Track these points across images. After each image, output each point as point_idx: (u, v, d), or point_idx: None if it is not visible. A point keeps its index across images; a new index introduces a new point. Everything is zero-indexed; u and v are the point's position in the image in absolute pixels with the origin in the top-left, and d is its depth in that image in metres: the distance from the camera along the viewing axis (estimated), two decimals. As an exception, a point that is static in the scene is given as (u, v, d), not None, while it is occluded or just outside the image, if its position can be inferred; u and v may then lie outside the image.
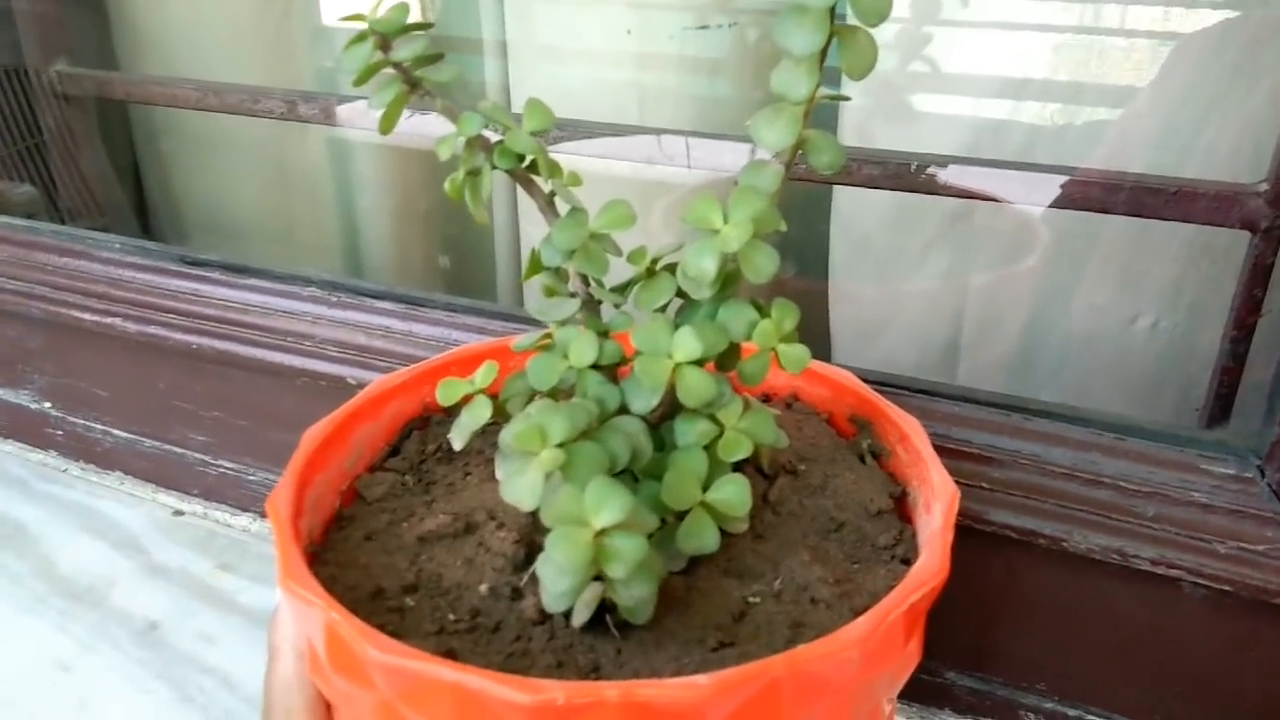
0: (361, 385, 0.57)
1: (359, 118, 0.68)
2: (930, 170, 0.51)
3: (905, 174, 0.52)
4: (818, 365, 0.43)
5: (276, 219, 0.95)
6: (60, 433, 0.74)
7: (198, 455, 0.68)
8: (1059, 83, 0.59)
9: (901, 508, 0.38)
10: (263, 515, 0.67)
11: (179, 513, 0.69)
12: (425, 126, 0.70)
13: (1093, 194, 0.48)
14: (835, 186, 0.68)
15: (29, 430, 0.75)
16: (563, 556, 0.28)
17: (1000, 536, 0.43)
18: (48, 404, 0.74)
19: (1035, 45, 0.60)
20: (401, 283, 0.96)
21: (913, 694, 0.48)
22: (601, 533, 0.28)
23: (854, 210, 0.67)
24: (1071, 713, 0.46)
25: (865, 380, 0.42)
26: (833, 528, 0.36)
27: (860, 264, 0.68)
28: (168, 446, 0.69)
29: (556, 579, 0.29)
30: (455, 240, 0.98)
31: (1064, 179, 0.49)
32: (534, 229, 0.81)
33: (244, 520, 0.68)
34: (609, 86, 0.74)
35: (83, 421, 0.72)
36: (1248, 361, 0.47)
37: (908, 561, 0.35)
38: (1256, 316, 0.47)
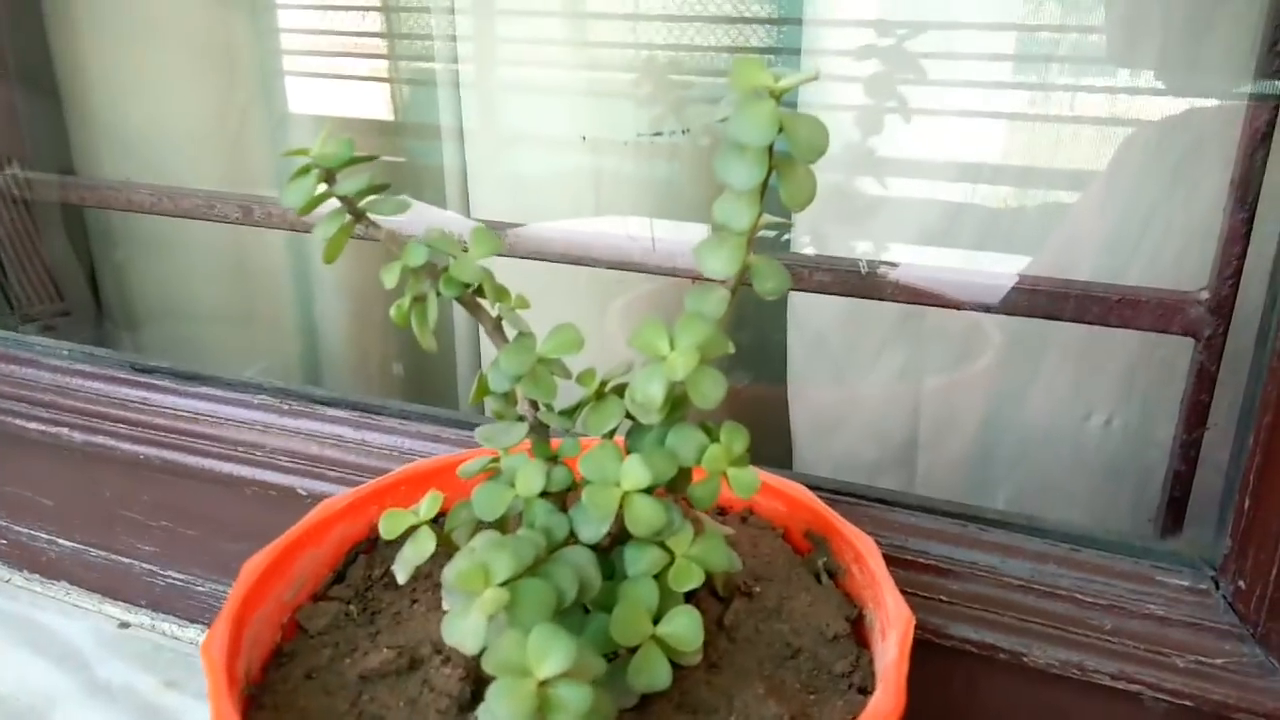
0: (312, 495, 0.57)
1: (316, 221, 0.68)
2: (879, 273, 0.52)
3: (855, 279, 0.52)
4: (772, 479, 0.43)
5: (233, 319, 0.95)
6: (4, 541, 0.71)
7: (146, 565, 0.66)
8: (1009, 170, 0.60)
9: (858, 630, 0.37)
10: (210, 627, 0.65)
11: (125, 624, 0.67)
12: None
13: (1039, 301, 0.49)
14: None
15: (-29, 539, 0.73)
16: (505, 709, 0.27)
17: (960, 650, 0.43)
18: (-9, 512, 0.72)
19: (983, 135, 0.61)
20: (360, 384, 0.95)
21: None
22: (545, 682, 0.27)
23: (808, 309, 0.68)
24: (1039, 831, 0.45)
25: (821, 490, 0.42)
26: (789, 654, 0.36)
27: (817, 362, 0.69)
28: (115, 556, 0.67)
29: (499, 731, 0.28)
30: (414, 341, 0.97)
31: (1012, 284, 0.50)
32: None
33: (192, 632, 0.66)
34: (567, 174, 0.75)
35: (27, 530, 0.70)
36: (1198, 467, 0.47)
37: (864, 691, 0.34)
38: (1204, 423, 0.47)
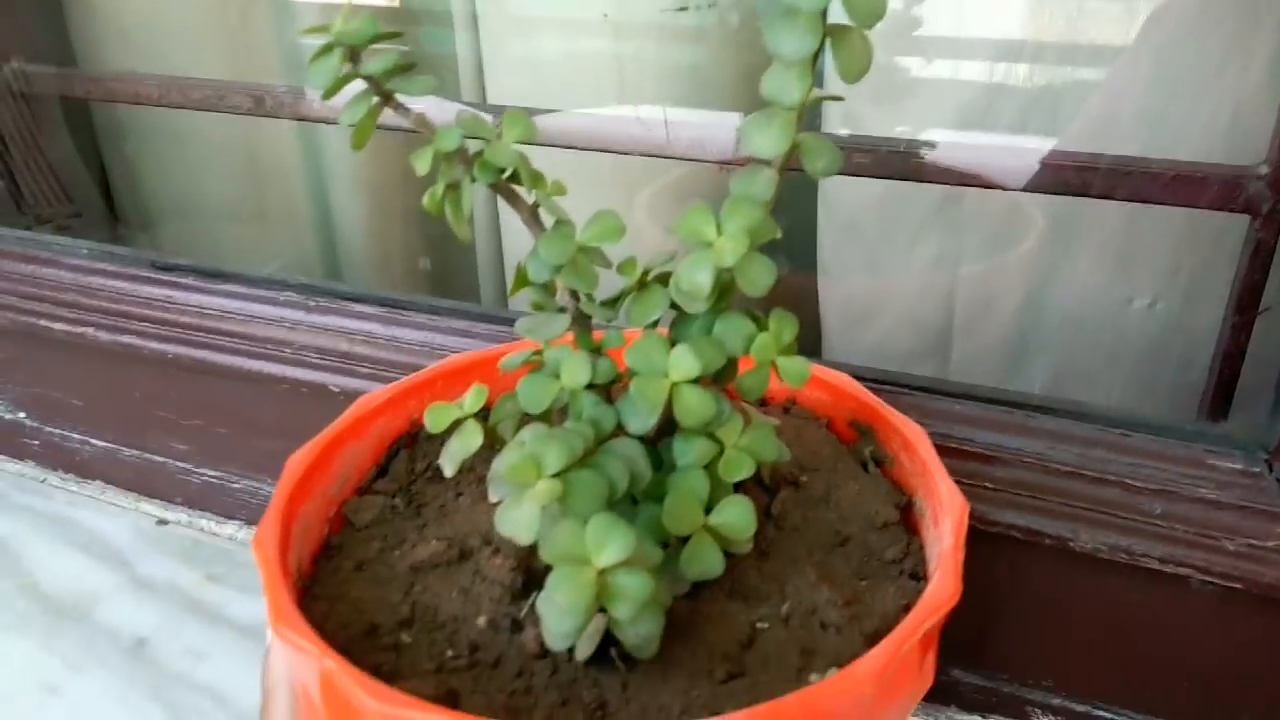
0: (345, 392, 0.56)
1: (329, 110, 0.66)
2: (920, 155, 0.50)
3: (895, 161, 0.51)
4: (816, 368, 0.42)
5: (248, 216, 0.93)
6: (36, 443, 0.72)
7: (179, 464, 0.66)
8: (1051, 47, 0.57)
9: (908, 518, 0.37)
10: (248, 523, 0.66)
11: (163, 522, 0.68)
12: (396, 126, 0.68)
13: (1090, 179, 0.47)
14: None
15: (4, 440, 0.73)
16: (565, 598, 0.27)
17: (1005, 537, 0.42)
18: (22, 414, 0.72)
19: (1024, 7, 0.58)
20: (380, 282, 0.94)
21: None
22: (604, 571, 0.27)
23: (841, 197, 0.66)
24: (1079, 708, 0.46)
25: (863, 379, 0.41)
26: (838, 542, 0.36)
27: (849, 251, 0.67)
28: (148, 455, 0.67)
29: (559, 619, 0.28)
30: (436, 237, 0.95)
31: (1058, 162, 0.48)
32: (516, 221, 0.79)
33: (229, 528, 0.66)
34: (587, 61, 0.72)
35: (59, 431, 0.71)
36: (1249, 351, 0.46)
37: (916, 576, 0.34)
38: (1257, 303, 0.46)
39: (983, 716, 0.48)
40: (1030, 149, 0.49)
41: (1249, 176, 0.44)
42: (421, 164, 0.34)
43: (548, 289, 0.36)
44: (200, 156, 0.89)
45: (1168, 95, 0.53)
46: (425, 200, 0.35)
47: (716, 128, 0.59)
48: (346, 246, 0.93)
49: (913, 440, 0.37)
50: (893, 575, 0.34)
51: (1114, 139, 0.54)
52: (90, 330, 0.62)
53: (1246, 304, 0.46)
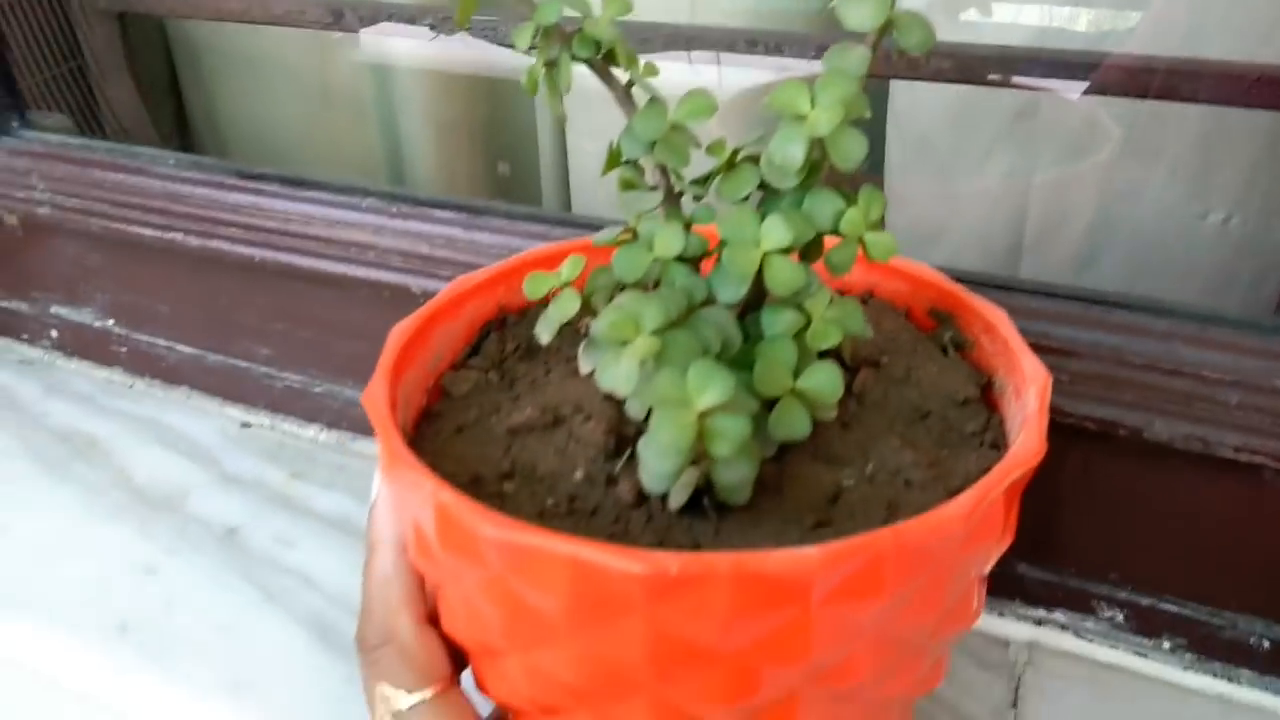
0: (426, 294, 0.58)
1: (397, 30, 0.67)
2: (1004, 59, 0.50)
3: (977, 67, 0.51)
4: (895, 259, 0.42)
5: (320, 140, 0.95)
6: (124, 349, 0.75)
7: (263, 369, 0.69)
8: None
9: (988, 397, 0.38)
10: (330, 426, 0.68)
11: (247, 425, 0.71)
12: (461, 52, 0.69)
13: (1173, 83, 0.47)
14: (893, 84, 0.66)
15: (93, 348, 0.76)
16: (667, 437, 0.28)
17: (1078, 429, 0.43)
18: (110, 321, 0.75)
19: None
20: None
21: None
22: (704, 413, 0.28)
23: (912, 110, 0.66)
24: (1144, 601, 0.47)
25: (940, 275, 0.42)
26: (919, 416, 0.37)
27: (918, 166, 0.67)
28: (232, 360, 0.70)
29: (660, 460, 0.29)
30: (499, 157, 0.97)
31: (1139, 65, 0.48)
32: (583, 142, 0.80)
33: (312, 431, 0.69)
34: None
35: (146, 338, 0.74)
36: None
37: (997, 447, 0.35)
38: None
39: (1047, 610, 0.49)
40: (1112, 53, 0.49)
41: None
42: (521, 39, 0.35)
43: (638, 168, 0.37)
44: (274, 91, 0.91)
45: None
46: (524, 79, 0.36)
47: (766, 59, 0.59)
48: (413, 171, 0.94)
49: (994, 322, 0.38)
50: (974, 445, 0.35)
51: (1195, 44, 0.53)
52: (179, 236, 0.65)
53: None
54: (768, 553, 0.26)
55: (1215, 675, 0.47)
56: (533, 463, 0.34)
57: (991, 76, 0.51)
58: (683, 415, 0.28)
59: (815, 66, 0.59)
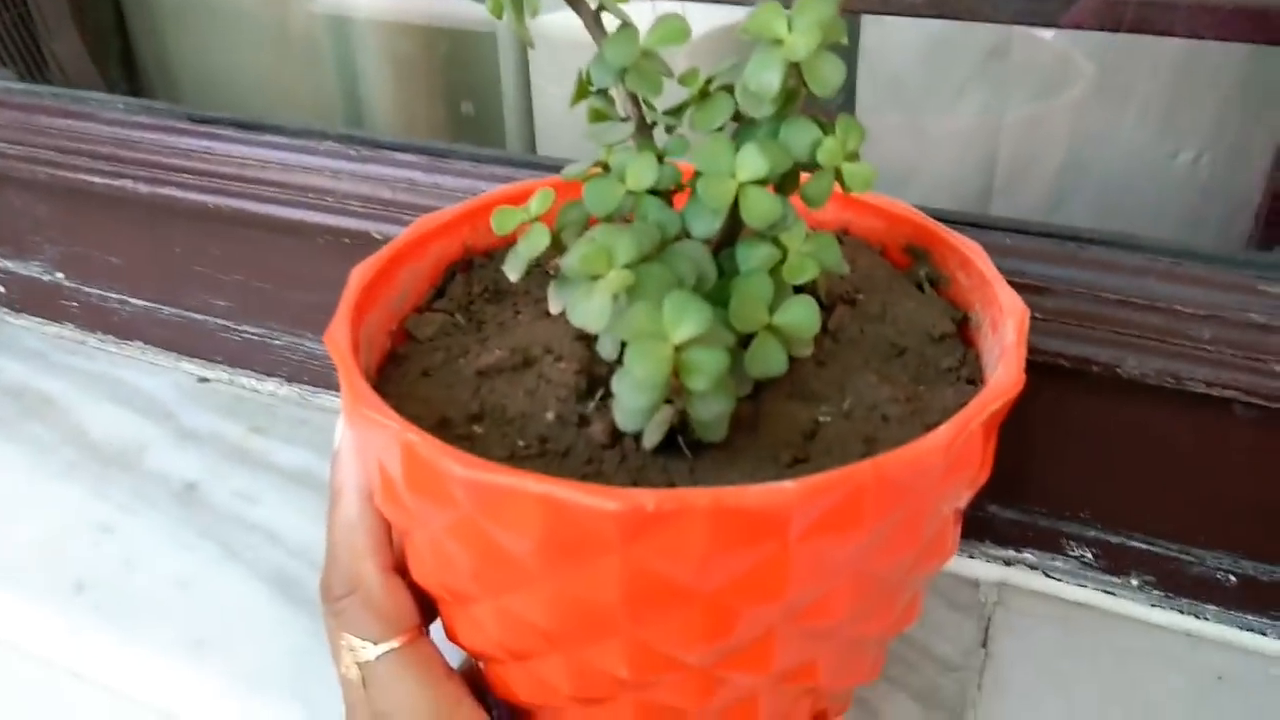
0: (389, 239, 0.56)
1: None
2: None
3: (951, 1, 0.50)
4: (870, 196, 0.42)
5: (274, 83, 0.92)
6: (75, 304, 0.73)
7: (219, 321, 0.67)
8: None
9: (964, 333, 0.37)
10: (289, 380, 0.67)
11: (204, 379, 0.69)
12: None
13: (1146, 14, 0.46)
14: (864, 21, 0.65)
15: (43, 303, 0.74)
16: (642, 371, 0.27)
17: (1051, 366, 0.43)
18: (60, 275, 0.72)
19: None
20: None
21: (954, 527, 0.49)
22: (680, 347, 0.28)
23: (883, 48, 0.65)
24: (1114, 539, 0.47)
25: (914, 212, 0.41)
26: (895, 353, 0.36)
27: (889, 106, 0.66)
28: (188, 313, 0.68)
29: (634, 394, 0.28)
30: (461, 99, 0.94)
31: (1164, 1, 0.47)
32: (549, 86, 0.78)
33: (271, 385, 0.67)
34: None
35: (98, 291, 0.71)
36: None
37: (973, 382, 0.35)
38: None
39: (1016, 550, 0.49)
40: (1088, -16, 0.48)
41: (1314, 6, 0.44)
42: (485, -39, 0.33)
43: (609, 99, 0.36)
44: (228, 34, 0.88)
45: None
46: (488, 3, 0.35)
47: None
48: (372, 120, 0.92)
49: (970, 256, 0.37)
50: (950, 380, 0.35)
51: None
52: (129, 183, 0.62)
53: (1301, 141, 0.45)
54: (745, 488, 0.26)
55: (1182, 611, 0.47)
56: (502, 404, 0.33)
57: (968, 7, 0.50)
58: (658, 348, 0.27)
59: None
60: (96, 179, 0.63)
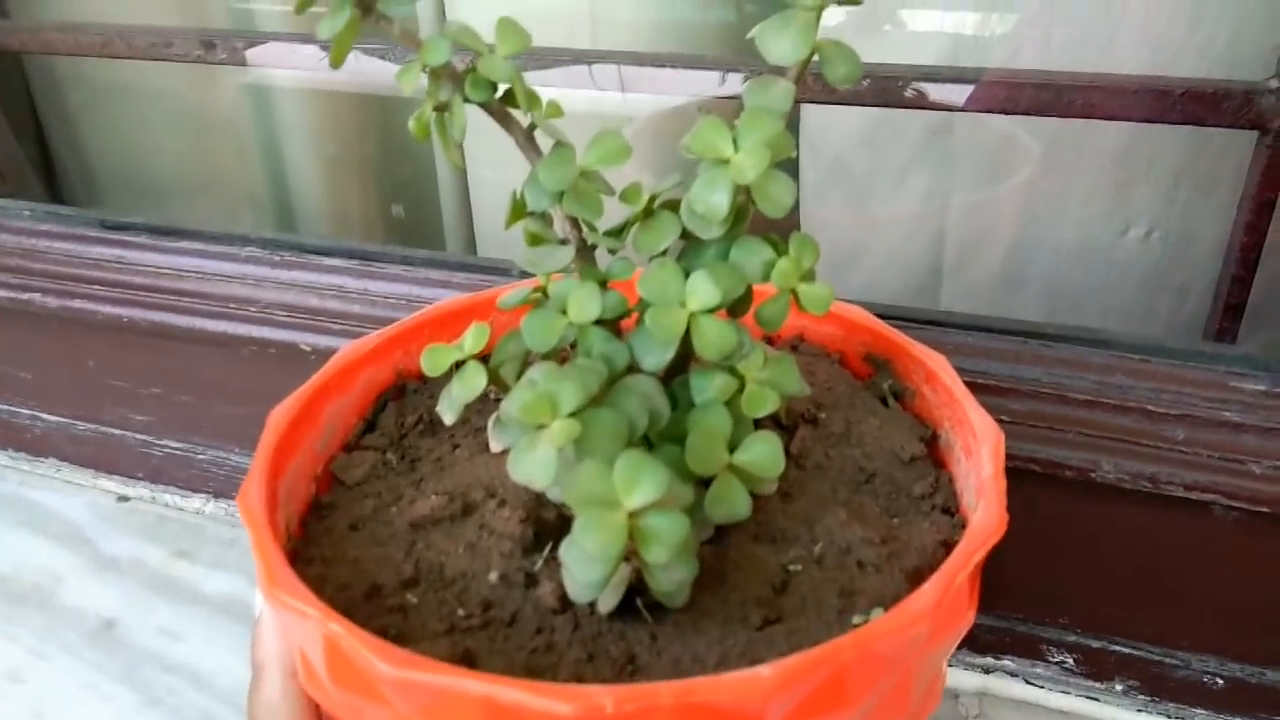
0: (316, 351, 0.53)
1: (279, 58, 0.62)
2: (918, 83, 0.48)
3: (892, 88, 0.48)
4: (825, 302, 0.40)
5: (198, 174, 0.89)
6: (-18, 420, 0.68)
7: (139, 436, 0.63)
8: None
9: (933, 452, 0.35)
10: (216, 495, 0.62)
11: (124, 498, 0.64)
12: (351, 76, 0.64)
13: (1096, 99, 0.45)
14: (804, 107, 0.64)
15: (-53, 420, 0.69)
16: (594, 543, 0.24)
17: (1023, 471, 0.41)
18: (-35, 390, 0.68)
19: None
20: (341, 238, 0.90)
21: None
22: (635, 513, 0.25)
23: (824, 131, 0.64)
24: (1095, 644, 0.45)
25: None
26: (863, 479, 0.34)
27: (833, 188, 0.65)
28: (105, 429, 0.64)
29: (587, 568, 0.25)
30: (396, 190, 0.92)
31: (1063, 84, 0.46)
32: (485, 172, 0.76)
33: (196, 502, 0.63)
34: (557, 15, 0.69)
35: (7, 407, 0.67)
36: (1260, 268, 0.45)
37: (949, 511, 0.32)
38: (1268, 221, 0.44)
39: (995, 657, 0.47)
40: (1032, 70, 0.47)
41: (1260, 91, 0.43)
42: (407, 81, 0.31)
43: (546, 219, 0.34)
44: (147, 120, 0.85)
45: (1167, 16, 0.52)
46: (411, 124, 0.32)
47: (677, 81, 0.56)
48: (302, 202, 0.89)
49: (936, 370, 0.35)
50: (924, 511, 0.32)
51: (1116, 61, 0.52)
52: (37, 296, 0.58)
53: (1255, 222, 0.45)
54: (715, 679, 0.23)
55: (1169, 716, 0.45)
56: (440, 563, 0.30)
57: (908, 95, 0.48)
58: (610, 518, 0.25)
59: (727, 88, 0.56)
60: (1, 292, 0.59)
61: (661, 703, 0.22)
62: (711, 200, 0.30)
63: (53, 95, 0.86)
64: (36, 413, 0.65)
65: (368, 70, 0.58)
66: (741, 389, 0.31)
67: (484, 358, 0.32)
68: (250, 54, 0.62)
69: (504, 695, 0.23)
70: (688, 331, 0.30)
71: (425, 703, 0.24)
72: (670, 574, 0.26)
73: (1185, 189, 0.55)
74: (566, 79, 0.58)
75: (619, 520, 0.25)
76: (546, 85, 0.56)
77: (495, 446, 0.34)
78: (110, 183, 0.88)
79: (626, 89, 0.59)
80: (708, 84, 0.57)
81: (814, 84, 0.49)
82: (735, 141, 0.30)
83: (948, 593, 0.25)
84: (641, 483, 0.25)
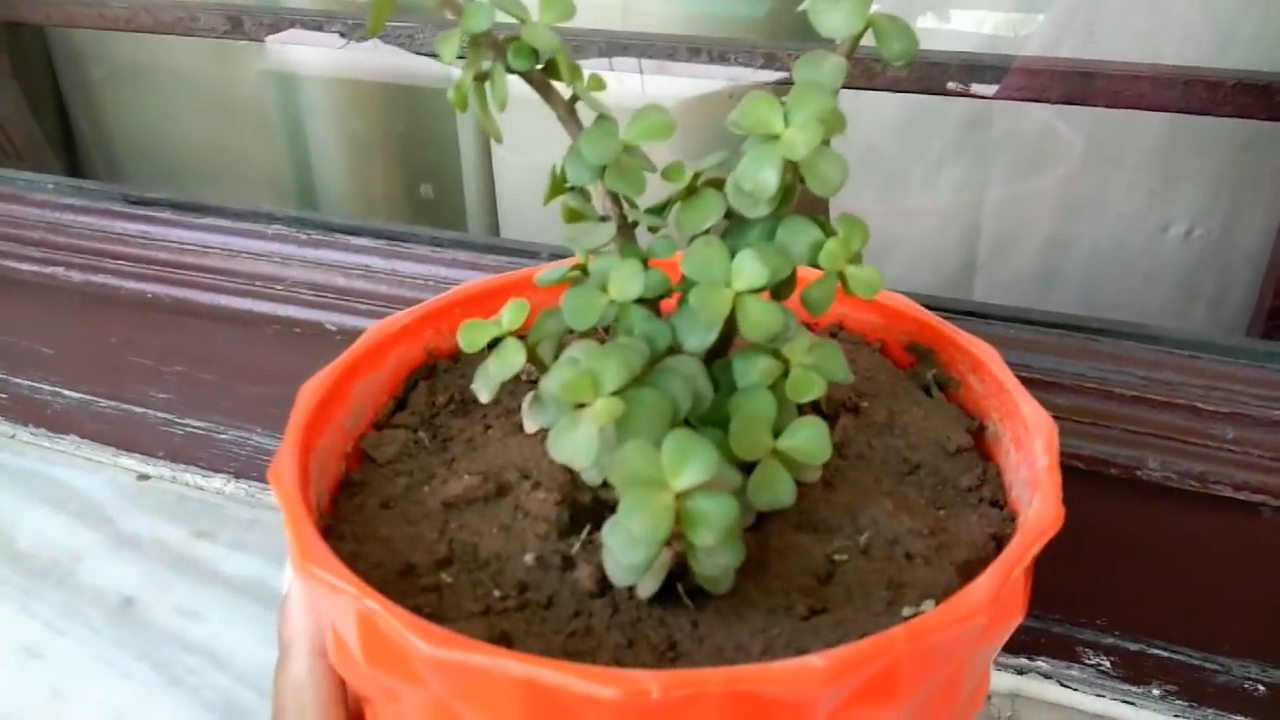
0: (342, 331, 0.52)
1: (307, 37, 0.62)
2: (962, 71, 0.47)
3: (934, 76, 0.47)
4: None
5: (221, 155, 0.88)
6: (4, 396, 0.67)
7: (160, 414, 0.62)
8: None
9: (979, 444, 0.34)
10: (237, 476, 0.62)
11: (144, 477, 0.64)
12: (375, 59, 0.64)
13: (1144, 90, 0.44)
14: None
15: (-32, 395, 0.69)
16: (640, 525, 0.24)
17: (1066, 467, 0.40)
18: (-13, 365, 0.67)
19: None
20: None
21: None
22: (682, 494, 0.24)
23: (857, 119, 0.63)
24: (1133, 647, 0.44)
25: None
26: (908, 470, 0.33)
27: (866, 180, 0.64)
28: (126, 406, 0.63)
29: (631, 550, 0.24)
30: (420, 174, 0.91)
31: (1111, 73, 0.45)
32: (510, 156, 0.75)
33: (217, 482, 0.63)
34: (592, 5, 0.68)
35: (29, 382, 0.66)
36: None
37: (997, 504, 0.32)
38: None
39: (1029, 658, 0.46)
40: (1081, 59, 0.46)
41: (1316, 83, 0.42)
42: (447, 49, 0.30)
43: (586, 196, 0.33)
44: (170, 99, 0.84)
45: (1215, 7, 0.51)
46: (451, 94, 0.31)
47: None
48: (324, 185, 0.88)
49: (985, 360, 0.34)
50: (971, 503, 0.32)
51: (1159, 51, 0.51)
52: (61, 270, 0.58)
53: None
54: (767, 666, 0.22)
55: (1208, 721, 0.44)
56: (474, 544, 0.29)
57: (950, 84, 0.47)
58: (657, 498, 0.24)
59: (760, 76, 0.55)
60: (25, 266, 0.59)
61: (710, 690, 0.22)
62: (760, 177, 0.29)
63: (75, 70, 0.85)
64: (58, 389, 0.65)
65: (391, 58, 0.57)
66: (786, 373, 0.30)
67: (520, 336, 0.32)
68: (276, 29, 0.61)
69: (546, 678, 0.22)
70: (731, 313, 0.29)
71: (463, 683, 0.23)
72: (716, 559, 0.25)
73: (1228, 186, 0.54)
74: (595, 68, 0.57)
75: (666, 501, 0.24)
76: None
77: (530, 427, 0.33)
78: (132, 158, 0.88)
79: (660, 73, 0.58)
80: (742, 71, 0.56)
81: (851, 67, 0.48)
82: (786, 117, 0.29)
83: (1004, 586, 0.24)
84: (690, 463, 0.24)
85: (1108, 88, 0.46)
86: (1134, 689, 0.45)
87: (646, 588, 0.27)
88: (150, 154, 0.87)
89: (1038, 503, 0.27)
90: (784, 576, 0.28)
